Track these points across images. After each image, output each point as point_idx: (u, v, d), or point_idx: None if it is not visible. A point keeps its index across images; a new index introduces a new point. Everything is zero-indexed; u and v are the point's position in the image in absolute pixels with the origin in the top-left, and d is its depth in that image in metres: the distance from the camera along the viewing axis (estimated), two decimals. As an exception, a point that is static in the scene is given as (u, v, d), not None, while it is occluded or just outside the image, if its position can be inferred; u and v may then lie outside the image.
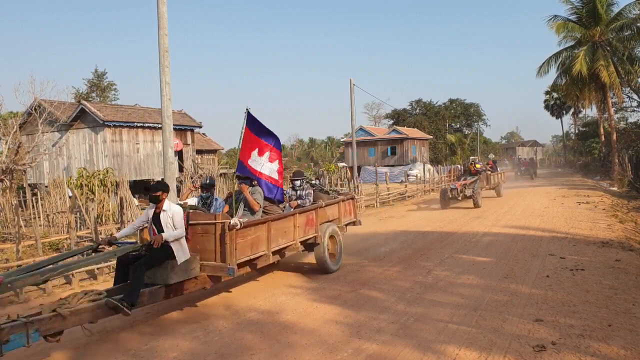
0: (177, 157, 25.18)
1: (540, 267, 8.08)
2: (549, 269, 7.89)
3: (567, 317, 5.55)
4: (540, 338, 4.97)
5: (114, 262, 9.67)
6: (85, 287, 8.51)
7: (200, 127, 30.67)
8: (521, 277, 7.50)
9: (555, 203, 18.40)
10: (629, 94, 34.51)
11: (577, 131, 63.11)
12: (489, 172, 22.08)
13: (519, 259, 8.86)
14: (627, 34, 29.80)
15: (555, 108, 63.48)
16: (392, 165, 44.47)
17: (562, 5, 32.94)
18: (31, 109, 22.10)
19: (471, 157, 58.50)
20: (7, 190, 18.18)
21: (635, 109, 37.04)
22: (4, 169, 19.28)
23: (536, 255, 9.06)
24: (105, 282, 8.88)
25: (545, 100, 63.84)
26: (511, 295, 6.55)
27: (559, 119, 66.12)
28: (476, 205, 17.93)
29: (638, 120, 40.19)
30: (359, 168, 37.31)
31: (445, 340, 5.06)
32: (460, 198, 18.39)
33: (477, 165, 20.96)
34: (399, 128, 49.97)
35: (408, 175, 32.68)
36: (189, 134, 28.79)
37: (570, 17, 31.83)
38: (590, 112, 53.79)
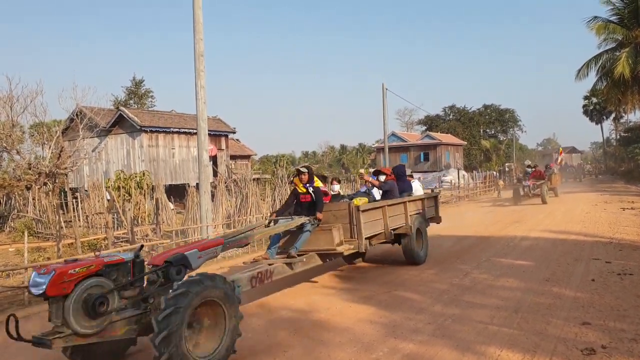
0: (211, 162, 25.57)
1: (585, 271, 7.71)
2: (594, 273, 7.51)
3: (617, 322, 5.24)
4: (589, 341, 4.70)
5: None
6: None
7: (234, 132, 31.09)
8: (564, 281, 7.17)
9: (597, 209, 17.64)
10: (675, 97, 32.85)
11: (618, 137, 60.70)
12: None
13: (560, 262, 8.49)
14: (673, 34, 28.50)
15: (595, 113, 61.21)
16: (425, 172, 43.88)
17: (603, 6, 31.75)
18: (73, 115, 22.96)
19: (506, 164, 57.14)
20: (50, 193, 18.86)
21: (682, 112, 35.33)
22: (47, 172, 20.05)
23: (579, 260, 8.65)
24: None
25: (584, 106, 61.66)
26: (554, 298, 6.25)
27: (599, 125, 63.69)
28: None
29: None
30: (391, 174, 36.92)
31: (486, 341, 4.86)
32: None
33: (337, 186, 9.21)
34: (432, 134, 49.38)
35: (441, 182, 32.16)
36: (223, 139, 29.22)
37: (611, 18, 30.71)
38: (633, 116, 51.80)
